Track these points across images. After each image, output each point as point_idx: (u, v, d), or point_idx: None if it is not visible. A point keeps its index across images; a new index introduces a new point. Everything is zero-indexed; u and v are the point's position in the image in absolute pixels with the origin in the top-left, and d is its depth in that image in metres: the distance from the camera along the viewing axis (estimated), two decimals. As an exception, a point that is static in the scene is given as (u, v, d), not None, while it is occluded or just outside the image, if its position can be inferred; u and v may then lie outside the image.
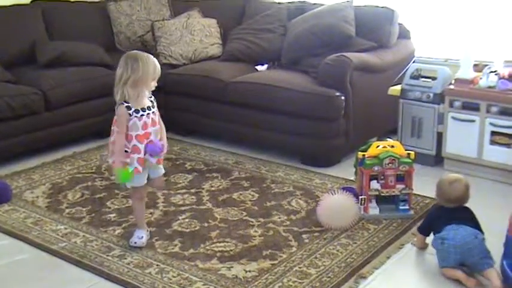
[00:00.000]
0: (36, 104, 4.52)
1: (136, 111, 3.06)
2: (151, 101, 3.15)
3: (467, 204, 3.12)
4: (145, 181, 3.22)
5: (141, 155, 3.07)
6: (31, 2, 5.45)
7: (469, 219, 3.03)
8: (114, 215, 3.67)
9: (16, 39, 5.08)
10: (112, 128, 3.15)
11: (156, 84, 3.15)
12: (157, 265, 3.08)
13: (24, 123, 4.48)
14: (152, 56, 3.13)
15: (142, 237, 3.27)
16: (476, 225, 3.02)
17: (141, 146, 3.07)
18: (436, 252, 3.04)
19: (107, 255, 3.18)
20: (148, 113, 3.10)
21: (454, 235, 2.93)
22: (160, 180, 3.35)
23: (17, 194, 3.97)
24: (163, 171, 3.31)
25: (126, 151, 3.07)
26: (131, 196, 3.37)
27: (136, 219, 3.34)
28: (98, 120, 4.98)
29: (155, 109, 3.17)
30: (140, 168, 3.08)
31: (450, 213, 3.06)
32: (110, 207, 3.77)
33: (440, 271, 2.97)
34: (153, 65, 3.08)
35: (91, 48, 5.20)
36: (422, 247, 3.21)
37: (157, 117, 3.18)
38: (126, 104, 3.05)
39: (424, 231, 3.19)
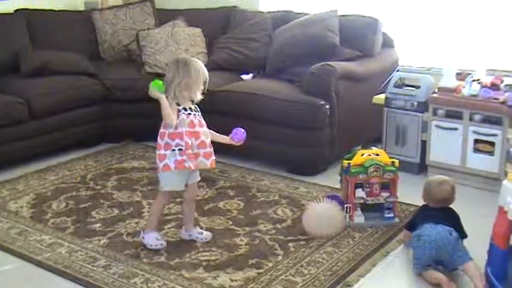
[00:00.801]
0: (20, 113, 4.50)
1: (185, 109, 3.20)
2: (195, 107, 3.27)
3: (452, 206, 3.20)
4: (184, 187, 3.32)
5: (192, 152, 3.19)
6: (15, 11, 5.42)
7: (450, 220, 3.10)
8: (99, 225, 3.65)
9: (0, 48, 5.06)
10: (162, 130, 3.22)
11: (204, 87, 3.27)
12: (142, 275, 3.07)
13: (8, 132, 4.45)
14: (199, 60, 3.27)
15: (158, 238, 3.35)
16: (456, 226, 3.09)
17: (190, 142, 3.18)
18: (413, 252, 3.09)
19: (92, 266, 3.17)
20: (194, 114, 3.23)
21: (430, 232, 3.00)
22: (194, 189, 3.42)
23: (0, 204, 3.95)
24: (199, 177, 3.42)
25: (181, 149, 3.17)
26: (158, 199, 3.41)
27: (152, 220, 3.38)
28: (83, 129, 4.99)
29: (199, 113, 3.28)
30: (192, 166, 3.19)
31: (433, 213, 3.15)
32: (95, 217, 3.76)
33: (422, 275, 3.00)
34: (201, 69, 3.22)
35: (75, 58, 5.19)
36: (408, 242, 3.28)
37: (203, 120, 3.29)
38: (176, 101, 3.18)
39: (409, 227, 3.29)
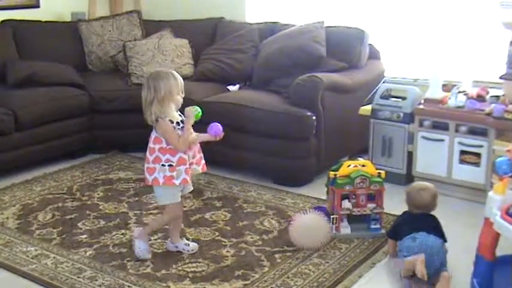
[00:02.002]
0: (6, 124, 4.47)
1: (177, 123, 3.15)
2: (180, 115, 3.21)
3: (435, 213, 3.24)
4: (180, 198, 3.28)
5: (187, 166, 3.16)
6: (1, 21, 5.41)
7: (431, 228, 3.13)
8: (85, 236, 3.64)
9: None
10: (152, 146, 3.18)
11: (183, 96, 3.21)
12: (129, 286, 3.05)
13: (-6, 143, 4.43)
14: (173, 71, 3.20)
15: (148, 251, 3.35)
16: (438, 233, 3.12)
17: (187, 157, 3.16)
18: (402, 248, 3.10)
19: (78, 277, 3.15)
20: (183, 126, 3.17)
21: (420, 243, 3.01)
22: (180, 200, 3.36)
23: (-14, 215, 3.93)
24: (192, 187, 3.38)
25: (171, 165, 3.13)
26: (165, 213, 3.37)
27: (151, 227, 3.40)
28: (69, 140, 4.97)
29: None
30: (188, 179, 3.17)
31: (414, 220, 3.19)
32: (81, 228, 3.74)
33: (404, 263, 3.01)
34: (173, 80, 3.14)
35: (62, 69, 5.18)
36: (395, 252, 3.27)
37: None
38: (168, 118, 3.12)
39: (392, 234, 3.32)
